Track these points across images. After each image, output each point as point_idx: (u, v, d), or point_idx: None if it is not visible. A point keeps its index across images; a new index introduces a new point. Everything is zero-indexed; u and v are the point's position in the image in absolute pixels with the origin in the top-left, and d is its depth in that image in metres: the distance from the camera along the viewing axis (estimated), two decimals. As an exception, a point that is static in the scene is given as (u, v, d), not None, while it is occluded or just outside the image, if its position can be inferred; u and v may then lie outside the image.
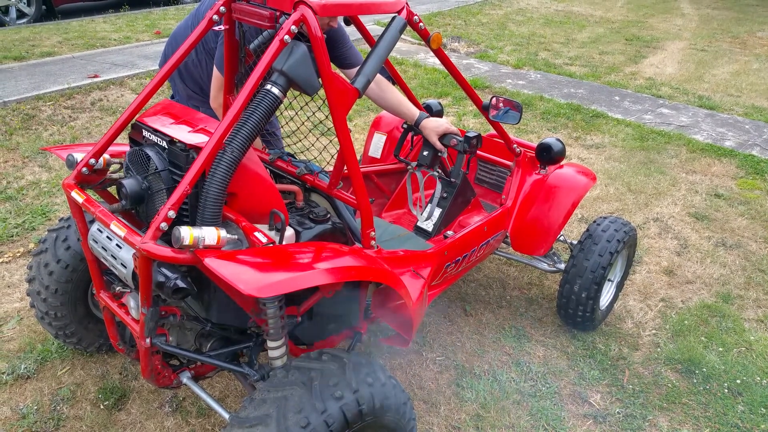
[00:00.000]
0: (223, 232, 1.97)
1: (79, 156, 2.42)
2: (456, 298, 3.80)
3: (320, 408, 1.90)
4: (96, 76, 7.38)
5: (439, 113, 3.83)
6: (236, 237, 2.11)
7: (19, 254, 4.05)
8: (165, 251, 1.91)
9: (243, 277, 1.77)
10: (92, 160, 2.36)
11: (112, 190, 2.60)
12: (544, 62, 9.47)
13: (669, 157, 6.15)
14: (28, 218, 4.47)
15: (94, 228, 2.36)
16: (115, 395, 2.95)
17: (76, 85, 7.09)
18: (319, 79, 2.22)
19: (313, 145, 2.87)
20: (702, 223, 4.91)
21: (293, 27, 2.13)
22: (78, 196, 2.26)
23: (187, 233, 1.87)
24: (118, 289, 2.47)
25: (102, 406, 2.90)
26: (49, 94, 6.85)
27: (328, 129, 2.55)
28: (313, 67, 2.20)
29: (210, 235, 1.93)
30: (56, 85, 7.13)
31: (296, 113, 2.70)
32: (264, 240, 2.09)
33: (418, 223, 3.38)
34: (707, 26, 13.05)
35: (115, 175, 2.50)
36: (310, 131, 2.83)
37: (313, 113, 2.64)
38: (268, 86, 2.15)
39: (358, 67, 2.42)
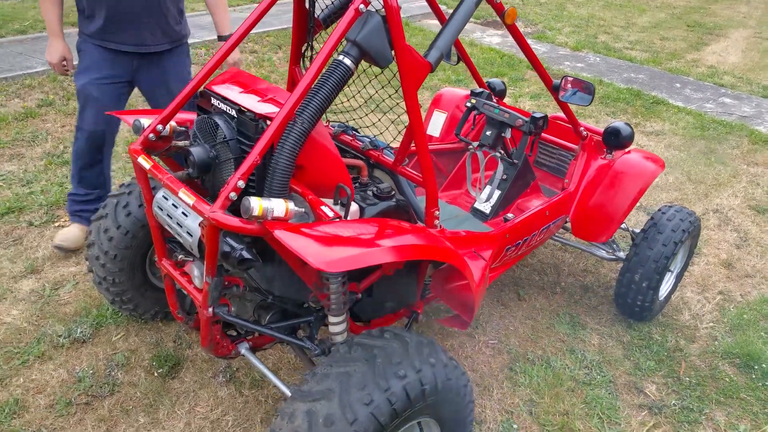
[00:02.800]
0: (291, 205, 1.94)
1: (145, 122, 2.41)
2: (509, 282, 3.74)
3: (384, 386, 1.88)
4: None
5: (502, 92, 3.75)
6: (303, 210, 2.09)
7: (75, 219, 4.11)
8: (233, 221, 1.89)
9: (312, 251, 1.74)
10: (159, 126, 2.35)
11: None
12: (604, 45, 9.22)
13: (730, 148, 5.94)
14: (84, 184, 4.52)
15: (159, 195, 2.35)
16: (169, 363, 2.97)
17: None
18: (392, 52, 2.17)
19: (374, 124, 2.82)
20: (763, 217, 4.73)
21: (370, -5, 2.07)
22: (145, 162, 2.25)
23: (256, 204, 1.86)
24: (180, 257, 2.48)
25: (156, 374, 2.93)
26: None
27: (379, 104, 2.49)
28: (386, 38, 2.15)
29: (279, 206, 1.91)
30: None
31: (364, 86, 2.65)
32: (331, 214, 2.06)
33: (476, 205, 3.32)
34: (773, 13, 12.57)
35: (180, 143, 2.49)
36: (376, 107, 2.78)
37: (376, 91, 2.59)
38: (341, 57, 2.10)
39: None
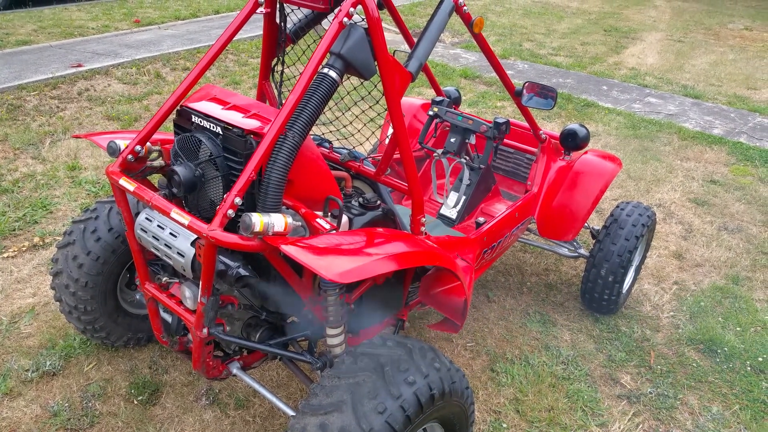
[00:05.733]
0: (289, 219, 1.94)
1: (121, 143, 2.34)
2: (478, 285, 3.81)
3: (395, 393, 1.89)
4: (80, 66, 7.18)
5: (457, 100, 3.83)
6: (300, 224, 2.09)
7: (24, 248, 3.92)
8: (233, 238, 1.87)
9: (323, 263, 1.75)
10: (138, 147, 2.29)
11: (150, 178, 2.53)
12: (530, 53, 9.53)
13: (662, 145, 6.25)
14: (28, 211, 4.33)
15: (141, 217, 2.29)
16: (147, 390, 2.88)
17: (59, 74, 6.90)
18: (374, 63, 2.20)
19: (353, 135, 2.84)
20: (703, 209, 5.01)
21: (351, 9, 2.09)
22: (128, 184, 2.19)
23: (257, 220, 1.84)
24: (164, 279, 2.42)
25: (135, 402, 2.83)
26: (33, 84, 6.65)
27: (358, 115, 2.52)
28: (370, 50, 2.17)
29: (278, 221, 1.90)
30: (38, 74, 6.93)
31: (342, 98, 2.67)
32: (327, 227, 2.07)
33: (442, 211, 3.37)
34: (680, 18, 13.31)
35: (155, 163, 2.43)
36: (355, 118, 2.80)
37: (356, 102, 2.61)
38: (326, 70, 2.11)
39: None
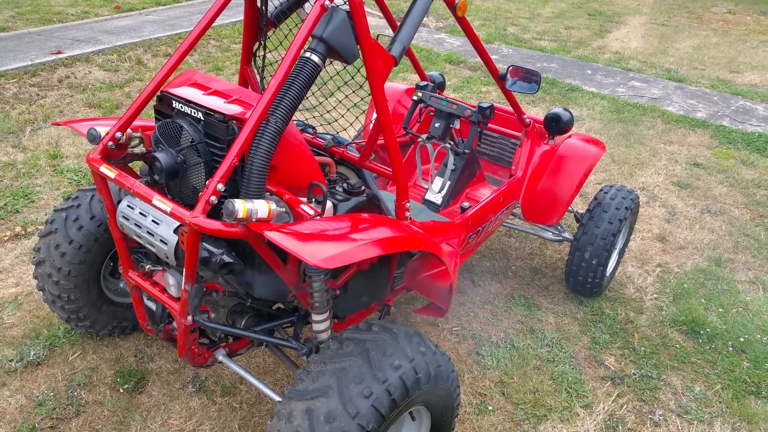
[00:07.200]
0: (273, 205, 1.93)
1: (101, 130, 2.31)
2: (463, 270, 3.82)
3: (381, 377, 1.90)
4: (60, 53, 7.09)
5: (441, 84, 3.82)
6: (284, 210, 2.08)
7: (6, 238, 3.88)
8: (216, 225, 1.85)
9: (307, 249, 1.74)
10: (118, 134, 2.26)
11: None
12: (514, 37, 9.53)
13: (646, 129, 6.29)
14: (9, 201, 4.28)
15: (123, 204, 2.27)
16: (133, 378, 2.87)
17: (39, 61, 6.81)
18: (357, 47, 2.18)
19: (336, 121, 2.83)
20: (686, 191, 5.05)
21: (333, -9, 2.07)
22: (108, 171, 2.16)
23: (240, 206, 1.83)
24: (148, 267, 2.40)
25: (121, 390, 2.82)
26: (11, 71, 6.56)
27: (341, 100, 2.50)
28: (352, 33, 2.15)
29: (262, 208, 1.89)
30: (17, 61, 6.84)
31: (325, 83, 2.65)
32: (311, 213, 2.06)
33: (427, 196, 3.37)
34: (664, 1, 13.34)
35: (136, 150, 2.41)
36: (338, 103, 2.78)
37: (339, 87, 2.59)
38: (308, 54, 2.09)
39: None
